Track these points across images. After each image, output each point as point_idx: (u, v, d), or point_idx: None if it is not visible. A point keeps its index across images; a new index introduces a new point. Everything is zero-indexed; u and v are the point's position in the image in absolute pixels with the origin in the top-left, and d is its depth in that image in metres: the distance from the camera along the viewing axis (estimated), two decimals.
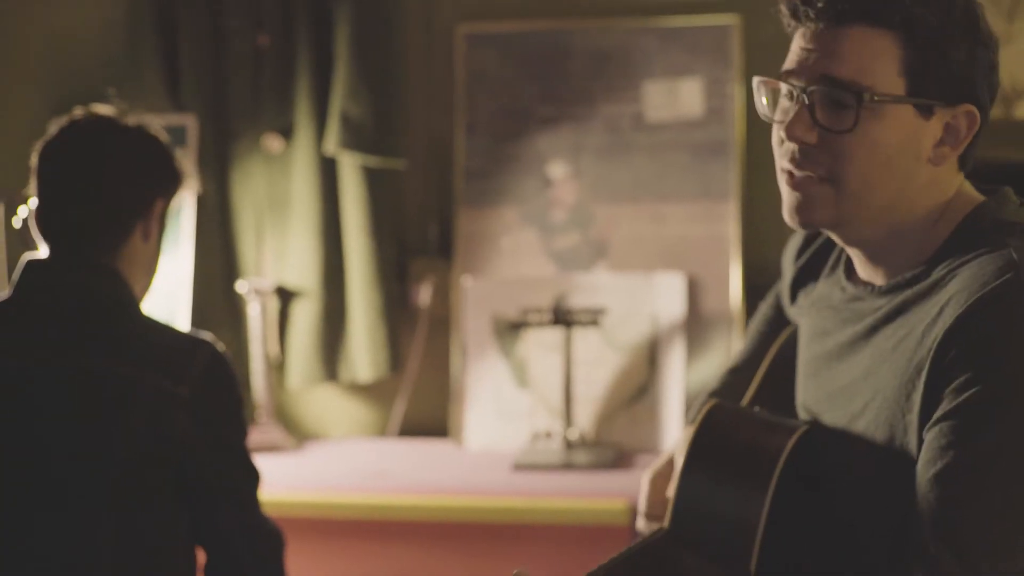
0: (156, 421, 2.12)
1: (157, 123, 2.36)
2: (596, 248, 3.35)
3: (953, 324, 1.53)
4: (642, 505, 1.97)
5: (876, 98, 1.58)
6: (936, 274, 1.61)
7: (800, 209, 1.65)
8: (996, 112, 3.28)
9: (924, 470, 1.53)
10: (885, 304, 1.66)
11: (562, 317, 3.15)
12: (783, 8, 1.65)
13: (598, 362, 3.26)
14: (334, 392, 3.51)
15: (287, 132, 3.40)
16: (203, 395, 2.16)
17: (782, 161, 1.65)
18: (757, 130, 2.91)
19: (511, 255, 3.38)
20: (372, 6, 3.34)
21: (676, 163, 3.32)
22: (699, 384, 3.21)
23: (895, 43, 1.59)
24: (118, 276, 2.22)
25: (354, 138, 3.29)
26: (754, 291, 3.21)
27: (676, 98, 3.32)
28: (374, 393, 3.49)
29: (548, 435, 3.17)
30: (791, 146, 1.63)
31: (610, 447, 3.16)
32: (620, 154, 3.34)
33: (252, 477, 2.26)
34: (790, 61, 1.64)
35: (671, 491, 1.83)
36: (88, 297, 2.20)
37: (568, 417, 3.15)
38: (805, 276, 1.93)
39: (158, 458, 2.13)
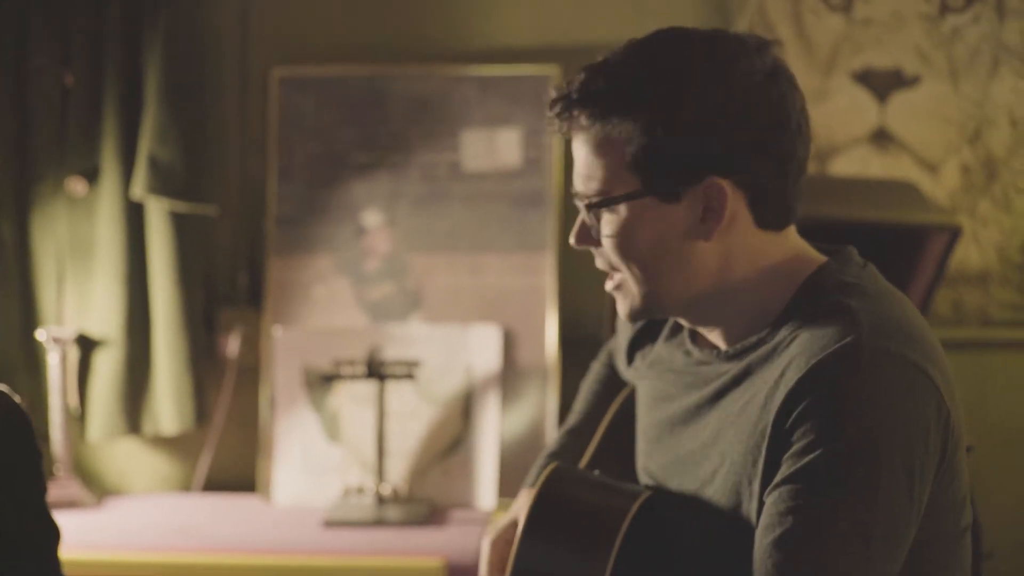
0: None
1: None
2: (411, 299, 3.29)
3: (793, 388, 1.51)
4: (483, 570, 1.89)
5: (618, 197, 1.60)
6: (779, 336, 1.60)
7: (620, 307, 1.69)
8: (809, 168, 3.34)
9: (763, 536, 1.50)
10: (731, 368, 1.65)
11: (375, 370, 3.09)
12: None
13: (412, 415, 3.20)
14: (136, 445, 3.39)
15: (92, 175, 3.27)
16: None
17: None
18: None
19: (323, 305, 3.30)
20: (184, 47, 3.25)
21: (493, 213, 3.28)
22: (514, 437, 3.18)
23: (620, 139, 1.58)
24: None
25: (162, 183, 3.19)
26: (570, 343, 3.20)
27: (494, 148, 3.30)
28: (178, 446, 3.38)
29: (360, 490, 3.09)
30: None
31: (423, 502, 3.09)
32: (436, 203, 3.30)
33: (51, 533, 2.15)
34: None
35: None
36: None
37: (380, 472, 3.08)
38: (643, 338, 1.91)
39: None
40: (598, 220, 1.62)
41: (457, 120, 3.31)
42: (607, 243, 1.63)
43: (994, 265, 3.33)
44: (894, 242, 2.81)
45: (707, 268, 1.62)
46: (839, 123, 3.32)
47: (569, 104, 1.60)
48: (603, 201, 1.60)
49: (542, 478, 1.77)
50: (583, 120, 1.60)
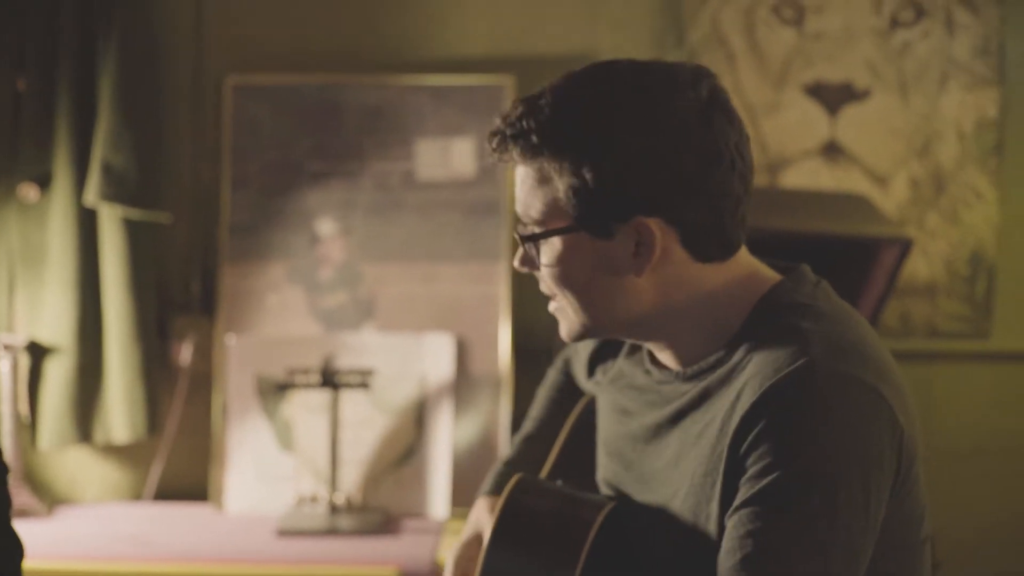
0: None
1: None
2: (364, 307, 3.30)
3: (748, 412, 1.53)
4: None
5: (551, 231, 1.63)
6: (735, 358, 1.61)
7: (560, 327, 1.71)
8: (761, 180, 3.37)
9: (725, 559, 1.52)
10: (690, 389, 1.66)
11: (329, 379, 3.08)
12: None
13: (365, 424, 3.20)
14: (88, 454, 3.37)
15: (45, 181, 3.25)
16: None
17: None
18: None
19: (277, 313, 3.30)
20: (138, 53, 3.24)
21: (447, 223, 3.29)
22: (467, 446, 3.18)
23: (553, 175, 1.61)
24: None
25: (116, 189, 3.17)
26: (523, 353, 3.21)
27: (448, 157, 3.31)
28: (130, 455, 3.36)
29: (313, 499, 3.09)
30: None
31: (377, 511, 3.09)
32: (390, 212, 3.30)
33: (15, 548, 2.14)
34: None
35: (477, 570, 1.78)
36: None
37: (333, 480, 3.07)
38: (604, 352, 1.92)
39: None
40: (536, 250, 1.66)
41: (411, 129, 3.31)
42: (545, 272, 1.66)
43: (941, 277, 3.37)
44: (846, 254, 2.83)
45: (645, 298, 1.64)
46: (790, 136, 3.35)
47: (504, 140, 1.63)
48: (537, 235, 1.64)
49: (506, 490, 1.77)
50: (517, 155, 1.63)
